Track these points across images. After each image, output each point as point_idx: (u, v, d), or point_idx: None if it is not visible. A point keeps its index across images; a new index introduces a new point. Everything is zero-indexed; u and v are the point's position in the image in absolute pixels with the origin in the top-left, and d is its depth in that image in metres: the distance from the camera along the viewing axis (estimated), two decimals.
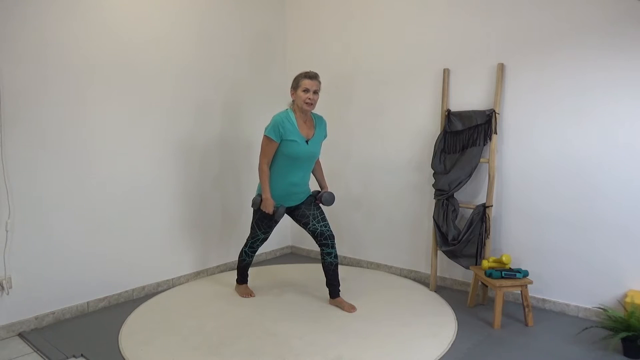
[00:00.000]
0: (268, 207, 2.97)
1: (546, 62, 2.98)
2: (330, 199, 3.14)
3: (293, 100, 2.99)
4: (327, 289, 3.13)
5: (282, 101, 4.36)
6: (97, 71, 3.05)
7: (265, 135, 2.93)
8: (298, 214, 3.11)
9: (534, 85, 3.04)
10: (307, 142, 2.97)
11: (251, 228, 3.21)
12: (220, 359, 2.39)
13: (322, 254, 3.07)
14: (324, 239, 3.05)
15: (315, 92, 2.93)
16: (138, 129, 3.30)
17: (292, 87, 2.97)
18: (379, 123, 3.80)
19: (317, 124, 3.06)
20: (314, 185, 3.26)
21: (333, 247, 3.06)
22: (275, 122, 2.91)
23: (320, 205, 3.17)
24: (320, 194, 3.16)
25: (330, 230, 3.08)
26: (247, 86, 4.05)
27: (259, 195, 3.03)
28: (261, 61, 4.18)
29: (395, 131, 3.73)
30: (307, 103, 2.91)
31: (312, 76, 2.92)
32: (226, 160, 3.93)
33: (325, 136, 3.13)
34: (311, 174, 3.19)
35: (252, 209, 3.17)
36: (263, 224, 3.14)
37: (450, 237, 3.25)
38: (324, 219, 3.09)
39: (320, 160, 3.41)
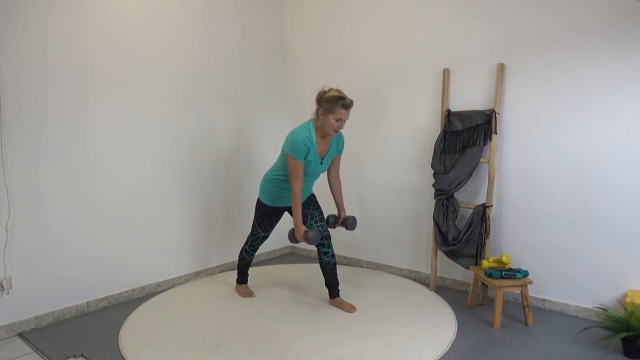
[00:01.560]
0: (300, 235, 2.86)
1: (546, 62, 2.98)
2: (354, 224, 3.15)
3: (317, 115, 2.85)
4: (327, 289, 3.13)
5: (281, 101, 4.38)
6: (98, 71, 3.05)
7: (289, 157, 2.81)
8: None
9: (534, 85, 3.04)
10: (321, 161, 2.92)
11: (252, 226, 3.23)
12: (220, 359, 2.39)
13: (319, 254, 3.07)
14: (320, 238, 3.04)
15: (345, 120, 2.84)
16: (138, 129, 3.29)
17: (322, 106, 2.80)
18: (379, 123, 3.79)
19: (332, 140, 2.98)
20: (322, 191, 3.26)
21: (329, 246, 3.06)
22: (297, 143, 2.78)
23: (344, 227, 3.16)
24: (344, 219, 3.16)
25: (327, 231, 3.08)
26: (247, 87, 4.05)
27: (292, 229, 2.92)
28: (260, 62, 4.17)
29: (395, 131, 3.73)
30: (335, 130, 2.84)
31: (349, 105, 2.79)
32: (226, 160, 3.93)
33: (340, 151, 3.06)
34: (330, 193, 3.17)
35: (252, 208, 3.17)
36: (264, 222, 3.14)
37: (450, 237, 3.25)
38: (322, 219, 3.09)
39: None
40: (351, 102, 2.81)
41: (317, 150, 2.88)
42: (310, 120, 2.91)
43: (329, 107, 2.78)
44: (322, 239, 3.04)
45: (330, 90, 2.86)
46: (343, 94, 2.83)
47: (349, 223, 3.14)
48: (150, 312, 3.03)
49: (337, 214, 3.22)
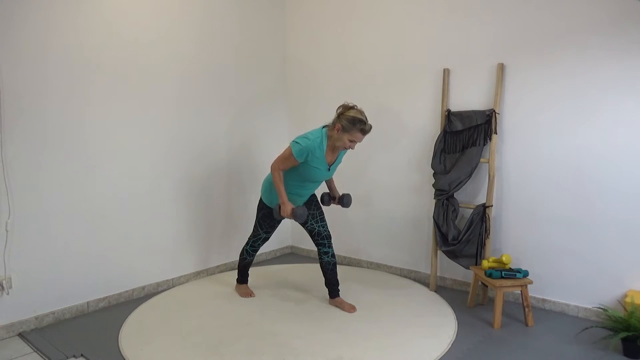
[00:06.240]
0: (287, 212, 2.82)
1: (546, 62, 2.98)
2: (349, 201, 3.12)
3: (334, 125, 2.78)
4: (327, 289, 3.13)
5: (281, 102, 4.38)
6: (99, 71, 3.05)
7: (291, 149, 2.77)
8: None
9: (534, 85, 3.04)
10: (328, 168, 2.90)
11: (254, 227, 3.23)
12: (220, 359, 2.39)
13: (319, 254, 3.08)
14: (321, 238, 3.05)
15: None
16: (139, 129, 3.29)
17: (340, 122, 2.73)
18: (379, 123, 3.79)
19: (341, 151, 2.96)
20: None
21: (330, 246, 3.06)
22: (306, 147, 2.75)
23: (341, 206, 3.13)
24: (340, 197, 3.14)
25: (328, 231, 3.08)
26: (247, 87, 4.05)
27: (278, 204, 2.89)
28: (261, 62, 4.17)
29: (395, 131, 3.73)
30: (345, 148, 2.83)
31: (367, 131, 2.76)
32: (227, 160, 3.93)
33: (340, 160, 3.04)
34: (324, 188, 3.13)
35: (254, 209, 3.16)
36: (265, 223, 3.14)
37: (450, 237, 3.25)
38: (322, 219, 3.09)
39: None
40: (370, 128, 2.77)
41: (326, 159, 2.86)
42: (325, 127, 2.86)
43: (347, 127, 2.72)
44: (322, 238, 3.05)
45: (353, 108, 2.78)
46: (364, 117, 2.76)
47: (345, 200, 3.09)
48: (150, 312, 3.03)
49: (328, 193, 3.19)
